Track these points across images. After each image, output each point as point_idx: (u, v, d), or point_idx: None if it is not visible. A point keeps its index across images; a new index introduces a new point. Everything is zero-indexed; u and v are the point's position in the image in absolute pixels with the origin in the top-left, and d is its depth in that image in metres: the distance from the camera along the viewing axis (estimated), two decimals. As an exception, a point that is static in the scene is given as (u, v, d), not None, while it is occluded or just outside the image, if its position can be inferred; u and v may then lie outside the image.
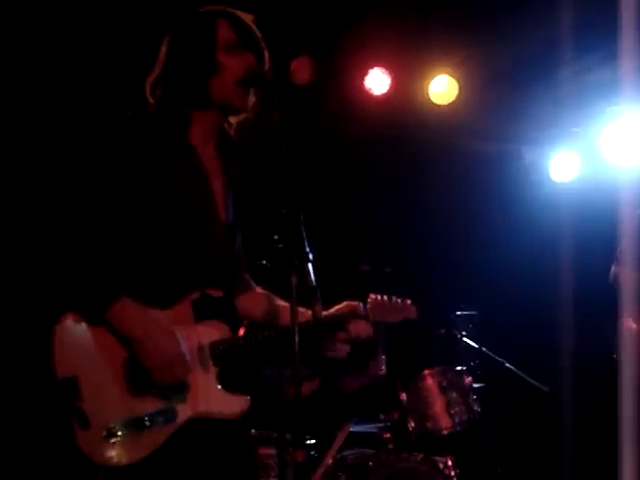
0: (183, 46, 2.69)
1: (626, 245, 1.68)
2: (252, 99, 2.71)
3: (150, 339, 2.48)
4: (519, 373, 5.08)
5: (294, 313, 2.32)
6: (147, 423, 2.49)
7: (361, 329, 2.93)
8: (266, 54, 2.74)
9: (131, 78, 2.82)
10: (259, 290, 3.03)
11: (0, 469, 4.36)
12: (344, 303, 2.97)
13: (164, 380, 2.50)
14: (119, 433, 2.46)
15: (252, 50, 2.70)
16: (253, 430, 4.29)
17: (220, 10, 2.75)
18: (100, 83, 4.80)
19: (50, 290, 2.58)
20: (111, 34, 4.82)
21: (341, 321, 2.90)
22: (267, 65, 2.73)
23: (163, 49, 2.73)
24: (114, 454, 2.45)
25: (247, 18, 2.76)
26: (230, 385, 2.65)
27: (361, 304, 2.97)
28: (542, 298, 5.85)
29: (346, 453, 4.39)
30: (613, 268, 4.48)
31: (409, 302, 3.08)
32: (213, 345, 2.63)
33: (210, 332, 2.64)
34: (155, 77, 2.72)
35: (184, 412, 2.55)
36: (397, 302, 3.06)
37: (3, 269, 4.61)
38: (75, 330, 2.51)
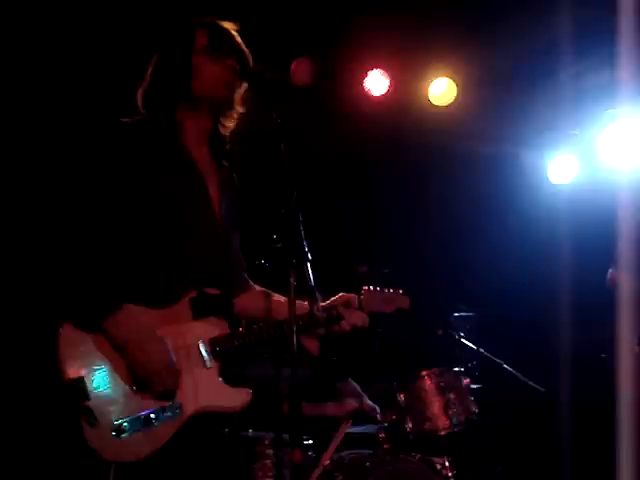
0: (164, 52, 2.80)
1: (623, 248, 1.68)
2: (240, 91, 2.77)
3: (141, 351, 2.53)
4: (517, 374, 5.09)
5: (292, 313, 2.34)
6: (153, 420, 2.54)
7: (357, 319, 2.99)
8: (249, 59, 2.80)
9: (127, 84, 2.86)
10: (257, 288, 3.07)
11: (9, 468, 4.36)
12: (338, 295, 3.03)
13: (155, 388, 2.55)
14: (127, 430, 2.51)
15: (233, 56, 2.76)
16: (250, 430, 4.31)
17: (201, 20, 2.84)
18: (97, 90, 4.81)
19: (49, 298, 2.63)
20: (109, 41, 4.82)
21: (337, 312, 2.96)
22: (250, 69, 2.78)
23: (152, 61, 2.82)
24: (123, 450, 2.50)
25: (230, 27, 2.84)
26: (231, 379, 2.70)
27: (355, 295, 3.04)
28: (540, 300, 5.86)
29: (343, 454, 4.38)
30: (610, 272, 4.49)
31: (401, 292, 3.17)
32: (213, 341, 2.68)
33: (209, 329, 2.69)
34: (144, 88, 2.79)
35: (188, 407, 2.60)
36: (389, 292, 3.14)
37: (6, 273, 4.62)
38: (79, 332, 2.56)
